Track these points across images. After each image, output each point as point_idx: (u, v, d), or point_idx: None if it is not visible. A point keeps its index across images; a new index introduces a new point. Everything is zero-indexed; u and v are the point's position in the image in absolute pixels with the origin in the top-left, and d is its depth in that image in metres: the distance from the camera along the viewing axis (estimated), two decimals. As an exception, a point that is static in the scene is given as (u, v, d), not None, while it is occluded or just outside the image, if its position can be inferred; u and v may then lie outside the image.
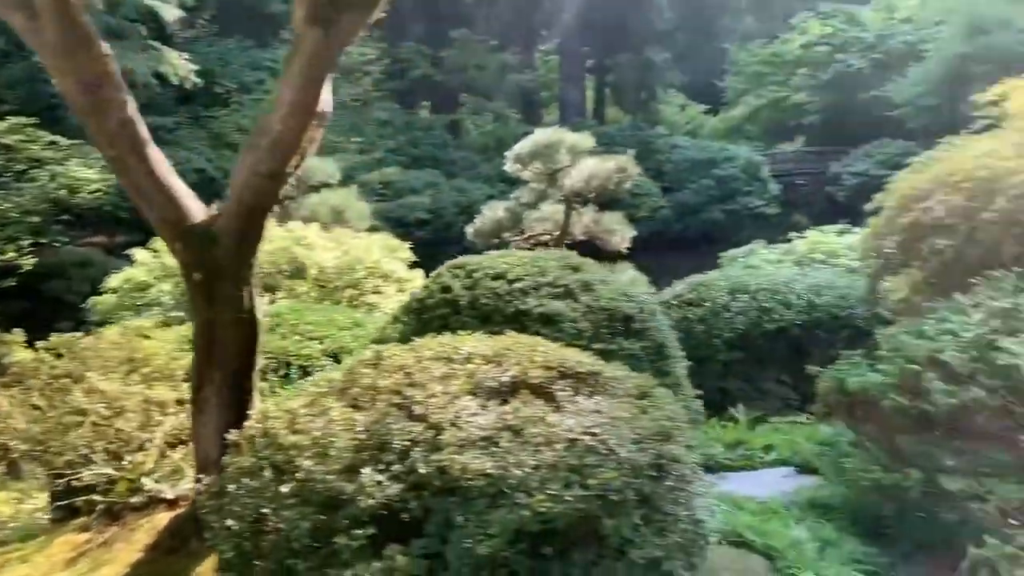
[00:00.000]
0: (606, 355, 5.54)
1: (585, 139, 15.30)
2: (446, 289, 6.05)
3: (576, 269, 6.24)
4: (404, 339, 5.41)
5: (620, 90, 44.72)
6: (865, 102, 37.53)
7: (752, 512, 5.39)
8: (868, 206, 7.60)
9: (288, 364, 7.74)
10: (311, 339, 8.12)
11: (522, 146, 14.89)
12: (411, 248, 13.07)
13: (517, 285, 5.89)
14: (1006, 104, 7.86)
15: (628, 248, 15.79)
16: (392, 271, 11.64)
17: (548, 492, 3.73)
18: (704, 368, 8.89)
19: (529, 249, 12.64)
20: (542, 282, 5.93)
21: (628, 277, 15.64)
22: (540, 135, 15.27)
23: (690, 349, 8.60)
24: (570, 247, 15.93)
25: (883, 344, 5.44)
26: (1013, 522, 4.59)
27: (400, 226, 23.16)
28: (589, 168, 14.95)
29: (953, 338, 4.77)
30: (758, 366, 8.84)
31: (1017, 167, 6.31)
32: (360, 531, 3.69)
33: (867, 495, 5.34)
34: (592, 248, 15.90)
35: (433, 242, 22.38)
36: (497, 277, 5.97)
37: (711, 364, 8.90)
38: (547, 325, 5.71)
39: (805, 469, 6.49)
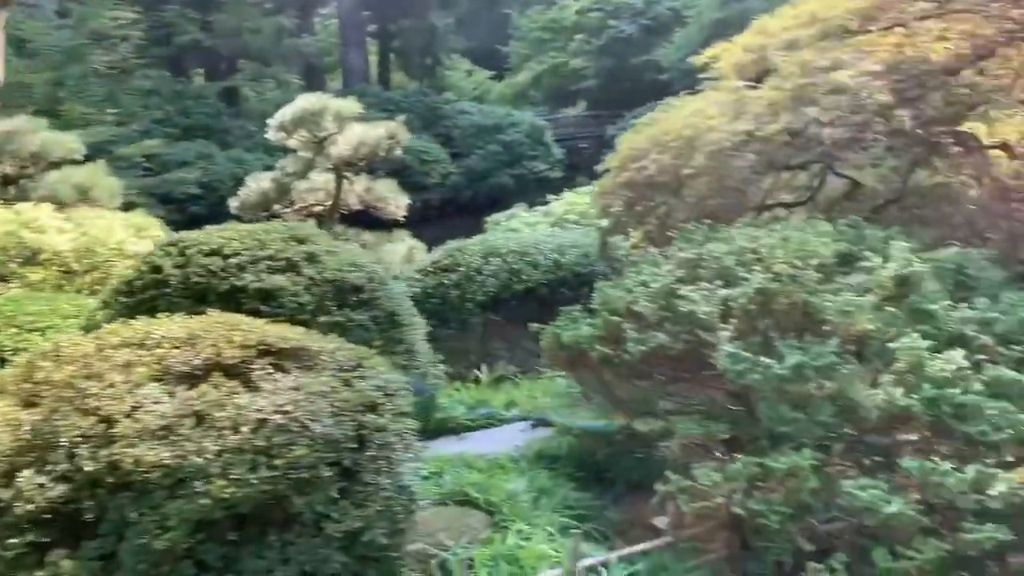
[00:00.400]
0: (331, 328, 5.42)
1: (351, 105, 14.91)
2: (156, 269, 5.67)
3: (302, 241, 6.05)
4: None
5: (405, 55, 44.07)
6: (637, 67, 39.36)
7: (480, 470, 5.53)
8: (599, 167, 7.90)
9: (2, 360, 7.06)
10: (31, 331, 7.46)
11: (283, 113, 14.31)
12: (182, 225, 12.20)
13: (233, 261, 5.62)
14: (719, 65, 8.36)
15: (407, 216, 15.60)
16: (139, 252, 10.82)
17: (231, 477, 3.61)
18: (463, 332, 9.04)
19: (301, 221, 12.18)
20: (261, 256, 5.70)
21: (405, 246, 15.59)
22: (304, 101, 14.71)
23: (446, 314, 8.73)
24: (346, 217, 15.66)
25: (596, 299, 5.70)
26: (717, 455, 4.97)
27: (168, 202, 21.64)
28: (357, 135, 14.61)
29: (645, 289, 5.06)
30: (512, 326, 9.06)
31: (717, 125, 6.77)
32: (17, 539, 3.39)
33: (585, 442, 5.63)
34: (373, 218, 15.67)
35: (207, 217, 21.01)
36: (212, 253, 5.66)
37: (468, 327, 9.04)
38: (266, 301, 5.51)
39: (542, 422, 6.74)
